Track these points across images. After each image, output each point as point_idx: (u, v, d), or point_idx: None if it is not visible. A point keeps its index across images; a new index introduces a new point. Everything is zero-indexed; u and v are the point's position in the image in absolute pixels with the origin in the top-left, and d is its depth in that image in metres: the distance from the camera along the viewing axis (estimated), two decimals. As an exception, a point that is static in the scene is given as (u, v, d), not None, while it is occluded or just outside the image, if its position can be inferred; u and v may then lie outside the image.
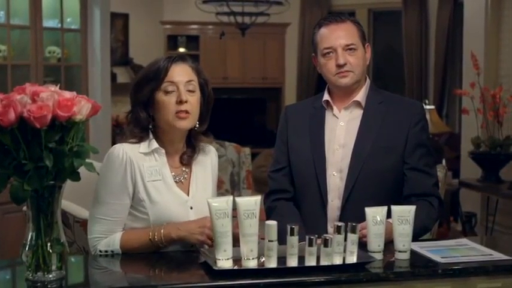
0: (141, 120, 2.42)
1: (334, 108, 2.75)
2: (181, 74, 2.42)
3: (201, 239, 2.34)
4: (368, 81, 2.79)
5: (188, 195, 2.47)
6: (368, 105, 2.72)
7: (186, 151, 2.52)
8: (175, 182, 2.46)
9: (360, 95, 2.73)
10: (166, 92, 2.40)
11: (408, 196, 2.64)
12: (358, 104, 2.73)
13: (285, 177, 2.79)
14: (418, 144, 2.68)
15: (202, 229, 2.31)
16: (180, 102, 2.38)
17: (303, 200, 2.75)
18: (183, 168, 2.50)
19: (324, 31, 2.71)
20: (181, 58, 2.46)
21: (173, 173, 2.46)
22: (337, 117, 2.74)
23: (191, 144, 2.52)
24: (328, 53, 2.68)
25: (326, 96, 2.78)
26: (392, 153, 2.66)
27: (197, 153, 2.53)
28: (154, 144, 2.43)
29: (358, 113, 2.73)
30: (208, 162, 2.58)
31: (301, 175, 2.74)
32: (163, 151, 2.44)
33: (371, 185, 2.62)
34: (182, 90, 2.40)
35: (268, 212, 2.79)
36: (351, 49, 2.66)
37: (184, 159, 2.50)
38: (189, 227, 2.33)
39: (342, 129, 2.71)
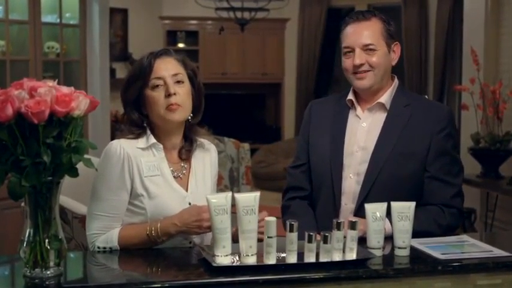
0: (134, 120, 2.42)
1: (358, 108, 2.67)
2: (166, 68, 2.40)
3: (199, 232, 2.33)
4: (396, 81, 2.70)
5: (187, 190, 2.46)
6: (392, 108, 2.63)
7: (184, 145, 2.51)
8: (174, 177, 2.45)
9: (385, 97, 2.65)
10: (154, 88, 2.39)
11: (425, 205, 2.52)
12: (382, 106, 2.65)
13: (303, 174, 2.74)
14: (441, 152, 2.58)
15: (200, 222, 2.29)
16: (168, 95, 2.37)
17: (317, 200, 2.69)
18: (182, 164, 2.50)
19: (347, 29, 2.64)
20: (165, 52, 2.45)
21: (172, 169, 2.45)
22: (360, 118, 2.66)
23: (188, 138, 2.51)
24: (348, 52, 2.62)
25: (350, 95, 2.70)
26: (413, 160, 2.56)
27: (195, 147, 2.52)
28: (152, 140, 2.42)
29: (381, 116, 2.64)
30: (207, 158, 2.57)
31: (317, 174, 2.68)
32: (161, 146, 2.43)
33: (388, 191, 2.50)
34: (170, 83, 2.38)
35: (283, 210, 2.76)
36: (370, 49, 2.59)
37: (182, 153, 2.50)
38: (187, 221, 2.30)
39: (363, 131, 2.64)
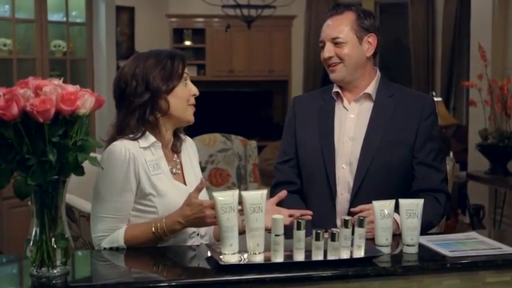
0: (161, 108, 2.40)
1: (344, 100, 2.74)
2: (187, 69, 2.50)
3: (203, 226, 2.37)
4: (378, 73, 2.77)
5: (185, 184, 2.48)
6: (378, 98, 2.70)
7: (173, 141, 2.54)
8: (172, 174, 2.47)
9: (371, 88, 2.72)
10: (186, 84, 2.45)
11: (416, 191, 2.61)
12: (368, 96, 2.71)
13: (291, 169, 2.77)
14: (428, 139, 2.65)
15: (203, 219, 2.28)
16: (194, 95, 2.47)
17: (310, 193, 2.73)
18: (176, 159, 2.52)
19: (324, 24, 2.74)
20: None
21: (170, 166, 2.47)
22: (347, 110, 2.72)
23: (175, 134, 2.55)
24: (322, 46, 2.72)
25: (336, 88, 2.76)
26: (402, 147, 2.64)
27: (181, 141, 2.56)
28: (151, 138, 2.42)
29: (368, 106, 2.71)
30: (190, 150, 2.61)
31: (309, 167, 2.71)
32: (160, 144, 2.44)
33: (381, 178, 2.60)
34: (190, 83, 2.47)
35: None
36: (337, 42, 2.66)
37: (176, 147, 2.53)
38: (189, 218, 2.29)
39: (351, 122, 2.70)
